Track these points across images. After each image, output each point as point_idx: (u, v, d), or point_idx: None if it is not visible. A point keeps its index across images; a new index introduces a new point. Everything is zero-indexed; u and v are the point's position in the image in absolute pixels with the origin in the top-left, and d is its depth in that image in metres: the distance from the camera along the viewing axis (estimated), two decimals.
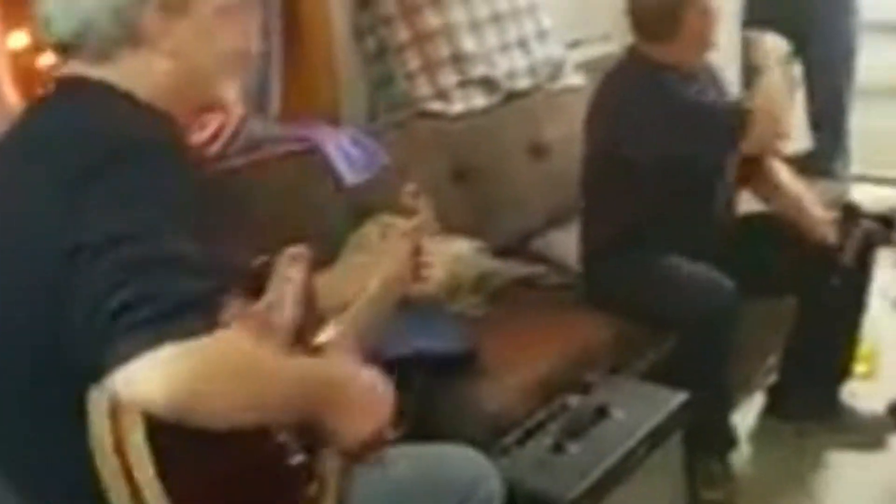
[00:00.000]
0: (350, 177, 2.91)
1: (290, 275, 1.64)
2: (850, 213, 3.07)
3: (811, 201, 3.13)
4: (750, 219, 3.15)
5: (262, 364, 1.38)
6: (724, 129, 2.87)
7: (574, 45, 3.89)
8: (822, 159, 4.45)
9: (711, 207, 2.99)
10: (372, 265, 1.93)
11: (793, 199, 3.11)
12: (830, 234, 2.99)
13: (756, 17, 4.54)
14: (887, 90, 4.86)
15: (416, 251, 1.97)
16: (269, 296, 1.59)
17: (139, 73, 1.48)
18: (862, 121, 4.70)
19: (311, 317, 1.65)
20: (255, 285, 1.64)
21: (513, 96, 3.49)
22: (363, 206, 2.86)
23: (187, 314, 1.26)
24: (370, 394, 1.54)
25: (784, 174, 3.20)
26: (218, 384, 1.29)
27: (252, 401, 1.34)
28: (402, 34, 3.25)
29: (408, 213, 2.05)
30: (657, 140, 2.79)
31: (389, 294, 1.90)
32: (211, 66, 1.55)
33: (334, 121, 3.12)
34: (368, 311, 1.83)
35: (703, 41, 2.93)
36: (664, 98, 2.83)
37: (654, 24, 2.89)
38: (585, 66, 3.77)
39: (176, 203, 1.35)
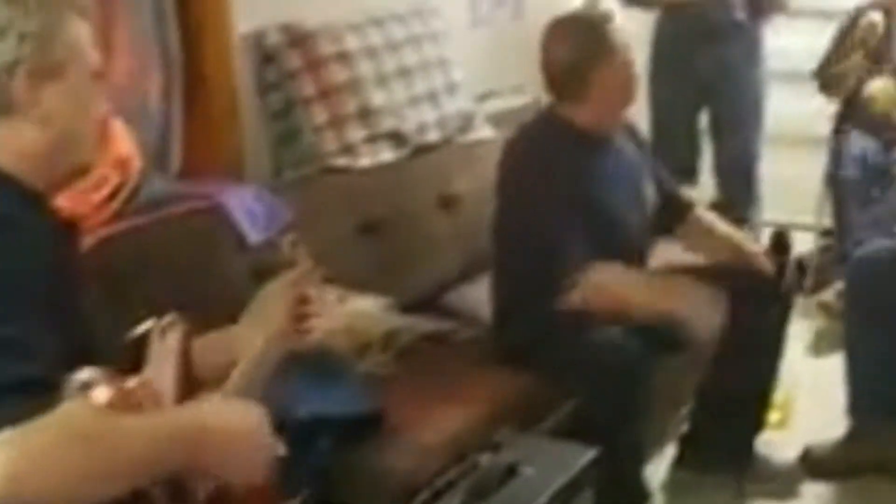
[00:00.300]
0: (253, 235, 2.85)
1: (166, 345, 1.59)
2: (780, 241, 3.11)
3: (744, 238, 3.16)
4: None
5: (105, 435, 1.31)
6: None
7: (485, 97, 3.90)
8: (734, 207, 4.48)
9: (622, 262, 2.94)
10: (258, 324, 1.87)
11: (726, 239, 3.14)
12: (768, 266, 3.01)
13: (662, 69, 4.60)
14: (795, 138, 4.91)
15: (299, 302, 1.92)
16: (147, 369, 1.53)
17: (6, 142, 1.43)
18: (771, 168, 4.75)
19: (189, 387, 1.60)
20: (134, 356, 1.58)
21: (422, 150, 3.46)
22: (266, 264, 2.79)
23: (6, 400, 1.21)
24: (248, 435, 1.48)
25: (710, 217, 3.24)
26: (45, 465, 1.23)
27: (96, 472, 1.28)
28: (308, 89, 3.21)
29: (288, 264, 2.00)
30: (562, 208, 2.76)
31: (271, 352, 1.84)
32: (83, 131, 1.50)
33: (237, 177, 3.07)
34: (251, 372, 1.77)
35: (616, 103, 2.90)
36: (569, 172, 2.79)
37: (564, 83, 2.87)
38: (496, 119, 3.77)
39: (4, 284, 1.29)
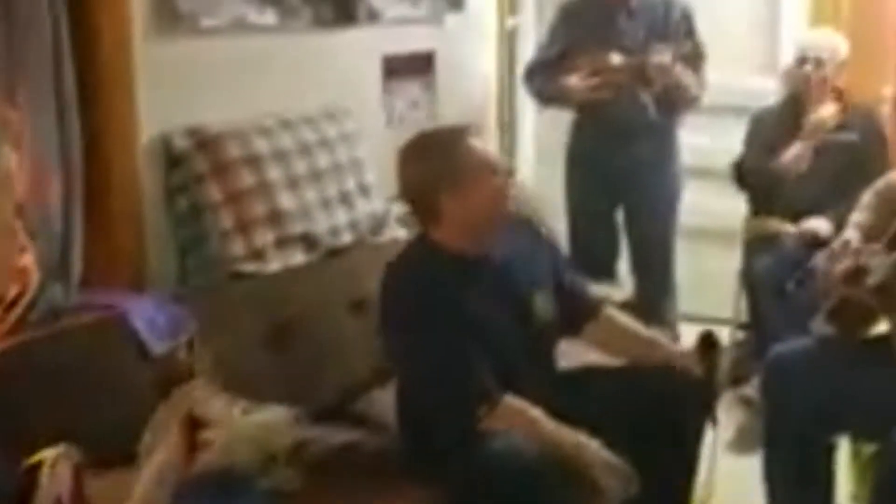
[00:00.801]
0: (156, 346, 2.78)
1: (56, 480, 1.51)
2: (708, 341, 3.07)
3: (663, 338, 3.12)
4: (572, 375, 3.07)
5: None
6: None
7: (399, 197, 3.86)
8: (650, 304, 4.49)
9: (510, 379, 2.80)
10: (152, 449, 1.80)
11: (645, 340, 3.07)
12: (692, 366, 2.94)
13: (578, 168, 4.63)
14: (711, 233, 4.96)
15: (191, 420, 1.84)
16: None
17: None
18: (688, 263, 4.77)
19: None
20: (25, 489, 1.50)
21: (334, 252, 3.42)
22: (169, 376, 2.73)
23: None
24: None
25: (624, 318, 3.18)
26: None
27: None
28: (215, 193, 3.16)
29: (189, 375, 1.93)
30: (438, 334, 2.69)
31: (168, 475, 1.77)
32: None
33: (140, 286, 3.00)
34: (148, 498, 1.70)
35: (479, 225, 2.76)
36: (443, 297, 2.71)
37: (418, 207, 2.81)
38: (408, 219, 3.73)
39: None
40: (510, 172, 2.86)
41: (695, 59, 4.34)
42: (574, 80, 4.33)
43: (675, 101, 4.47)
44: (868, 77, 5.00)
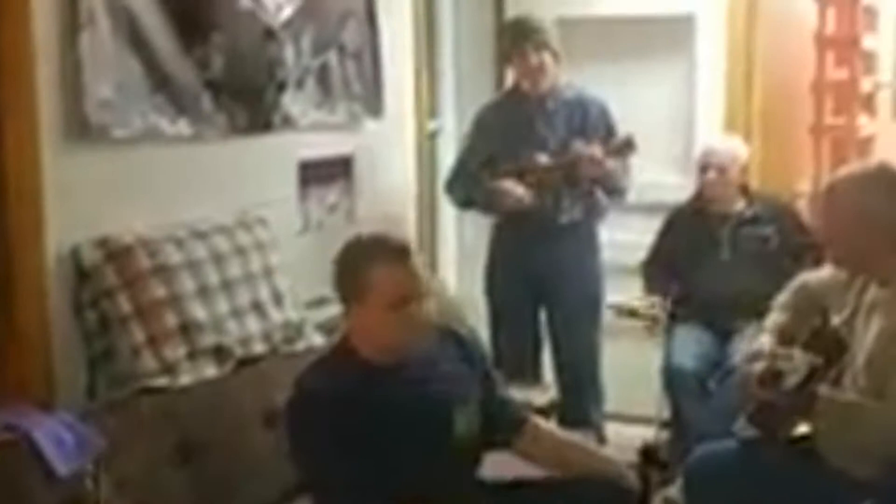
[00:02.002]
0: (62, 466, 2.69)
1: None
2: (647, 454, 3.05)
3: (592, 445, 3.08)
4: (501, 488, 2.98)
5: None
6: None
7: (314, 304, 3.83)
8: (575, 406, 4.47)
9: (437, 489, 2.74)
10: None
11: (574, 450, 3.03)
12: (633, 479, 2.91)
13: (499, 270, 4.63)
14: (633, 330, 4.96)
15: None
16: None
17: None
18: (612, 361, 4.77)
19: None
20: None
21: (247, 363, 3.36)
22: (76, 497, 2.66)
23: None
24: None
25: (551, 428, 3.17)
26: None
27: None
28: (125, 306, 3.10)
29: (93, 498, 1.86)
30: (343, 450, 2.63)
31: None
32: None
33: (47, 404, 2.91)
34: None
35: (393, 334, 2.74)
36: (353, 410, 2.65)
37: (344, 308, 2.79)
38: (328, 326, 3.70)
39: None
40: (427, 294, 2.79)
41: (624, 149, 4.38)
42: (509, 185, 4.34)
43: (596, 204, 4.51)
44: (782, 174, 5.12)
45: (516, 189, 4.34)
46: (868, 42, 5.39)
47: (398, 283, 2.70)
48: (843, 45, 5.31)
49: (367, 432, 2.65)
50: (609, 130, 4.48)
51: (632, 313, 4.69)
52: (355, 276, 2.72)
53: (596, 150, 4.31)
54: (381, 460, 2.64)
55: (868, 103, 5.61)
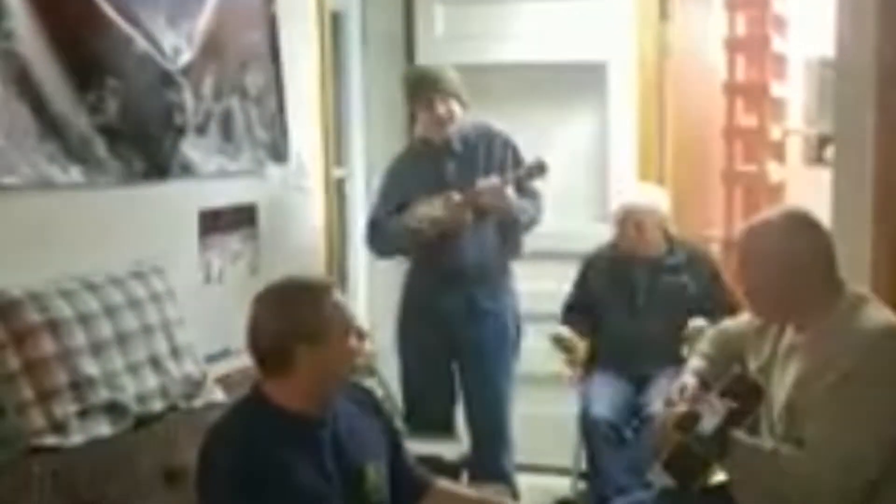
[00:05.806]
0: None
1: None
2: None
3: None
4: None
5: None
6: None
7: (215, 357, 3.69)
8: (487, 458, 4.38)
9: None
10: None
11: None
12: None
13: (412, 320, 4.53)
14: (548, 379, 4.90)
15: None
16: None
17: None
18: (525, 410, 4.69)
19: None
20: None
21: (144, 420, 3.19)
22: None
23: None
24: None
25: (459, 489, 3.11)
26: None
27: None
28: (12, 363, 2.92)
29: None
30: None
31: None
32: None
33: None
34: None
35: (325, 382, 2.66)
36: (266, 463, 2.54)
37: (267, 360, 2.67)
38: (229, 381, 3.56)
39: None
40: (363, 333, 2.78)
41: (535, 171, 4.33)
42: (423, 209, 4.27)
43: (505, 251, 4.45)
44: (695, 219, 5.13)
45: (430, 203, 4.27)
46: (777, 90, 5.45)
47: (346, 312, 2.69)
48: (753, 92, 5.38)
49: (282, 485, 2.54)
50: (516, 160, 4.43)
51: (558, 340, 4.59)
52: (312, 310, 2.63)
53: (494, 180, 4.26)
54: None
55: (778, 150, 5.67)
